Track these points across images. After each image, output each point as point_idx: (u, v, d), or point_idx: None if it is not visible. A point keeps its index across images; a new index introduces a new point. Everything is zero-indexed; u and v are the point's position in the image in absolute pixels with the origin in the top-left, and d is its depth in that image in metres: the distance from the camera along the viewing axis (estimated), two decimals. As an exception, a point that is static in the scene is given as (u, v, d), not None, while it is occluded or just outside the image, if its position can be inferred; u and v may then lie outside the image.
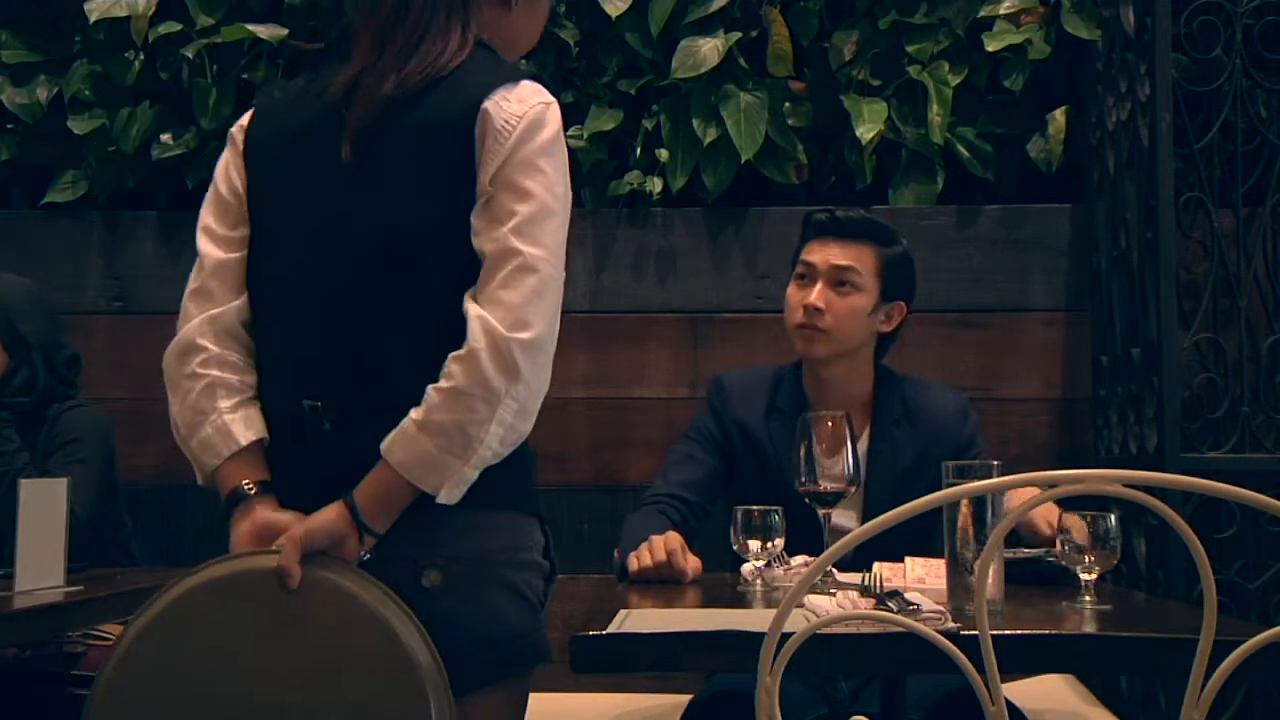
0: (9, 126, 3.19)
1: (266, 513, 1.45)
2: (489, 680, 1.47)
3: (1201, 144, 2.77)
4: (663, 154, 3.03)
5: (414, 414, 1.39)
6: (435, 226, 1.45)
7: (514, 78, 1.50)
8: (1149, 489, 1.00)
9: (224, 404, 1.49)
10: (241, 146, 1.59)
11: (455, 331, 1.40)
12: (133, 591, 1.96)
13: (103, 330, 3.10)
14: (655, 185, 3.03)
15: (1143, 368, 2.68)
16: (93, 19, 3.07)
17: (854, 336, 2.20)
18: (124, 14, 3.08)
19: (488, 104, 1.46)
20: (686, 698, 2.07)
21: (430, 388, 1.39)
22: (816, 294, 2.19)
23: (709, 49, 2.99)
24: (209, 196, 1.59)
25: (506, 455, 1.43)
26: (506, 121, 1.45)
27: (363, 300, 1.47)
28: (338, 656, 1.36)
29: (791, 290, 2.25)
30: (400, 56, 1.49)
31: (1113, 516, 1.66)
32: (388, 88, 1.47)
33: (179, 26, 3.10)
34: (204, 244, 1.57)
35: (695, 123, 3.00)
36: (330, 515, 1.40)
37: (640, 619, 1.50)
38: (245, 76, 3.10)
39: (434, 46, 1.50)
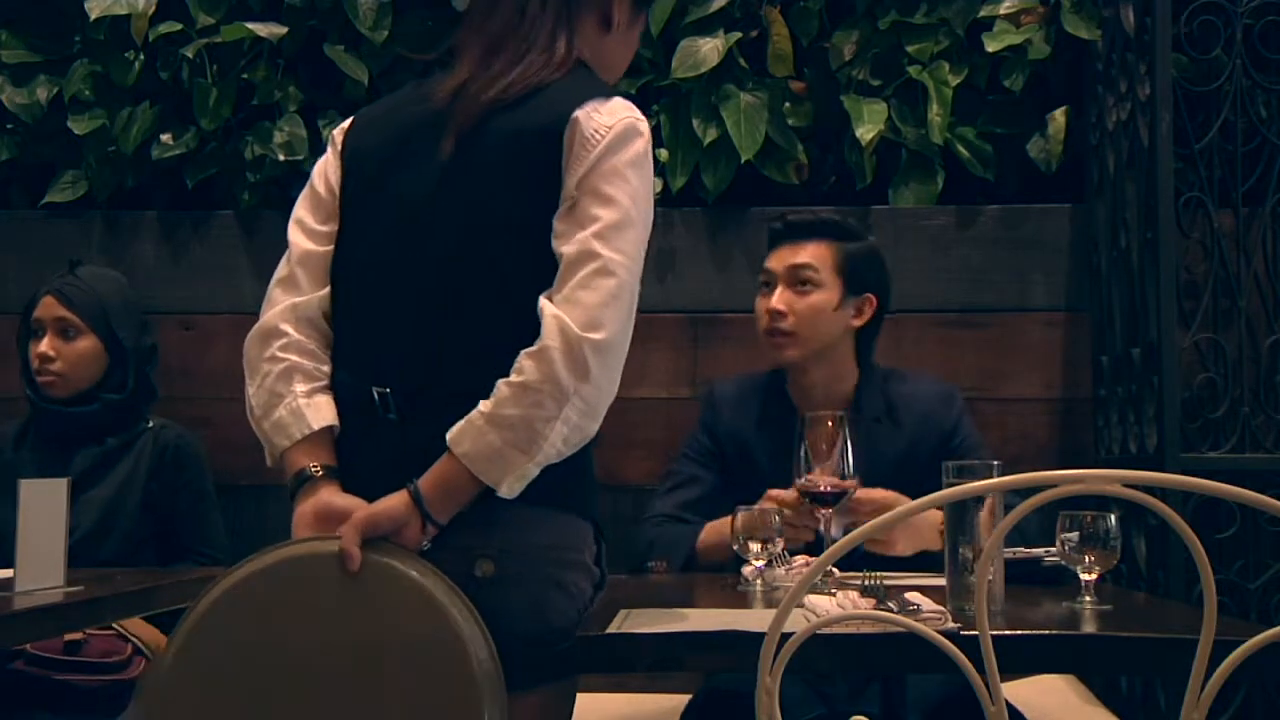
0: (9, 126, 3.19)
1: (328, 496, 1.49)
2: (536, 680, 1.48)
3: (1201, 144, 2.77)
4: (663, 154, 3.03)
5: (483, 406, 1.42)
6: (518, 227, 1.49)
7: (606, 93, 1.55)
8: (1149, 489, 1.00)
9: (299, 388, 1.54)
10: (340, 146, 1.65)
11: (525, 328, 1.44)
12: (133, 592, 1.95)
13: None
14: (655, 185, 3.02)
15: (1143, 368, 2.68)
16: (93, 16, 3.07)
17: (821, 335, 2.21)
18: (124, 12, 3.08)
19: (578, 113, 1.50)
20: (686, 698, 2.07)
21: (501, 382, 1.42)
22: (777, 297, 2.21)
23: (709, 49, 2.99)
24: (304, 192, 1.67)
25: (568, 456, 1.46)
26: (596, 131, 1.49)
27: (438, 292, 1.51)
28: (395, 640, 1.38)
29: (758, 301, 2.27)
30: (506, 67, 1.56)
31: (1113, 516, 1.66)
32: (491, 94, 1.53)
33: (179, 26, 3.10)
34: (294, 235, 1.65)
35: (695, 123, 3.00)
36: (394, 502, 1.43)
37: (640, 619, 1.50)
38: (245, 76, 3.10)
39: (537, 59, 1.57)
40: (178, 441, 2.57)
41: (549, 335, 1.41)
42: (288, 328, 1.57)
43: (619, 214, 1.46)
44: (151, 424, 2.58)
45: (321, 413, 1.54)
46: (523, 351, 1.42)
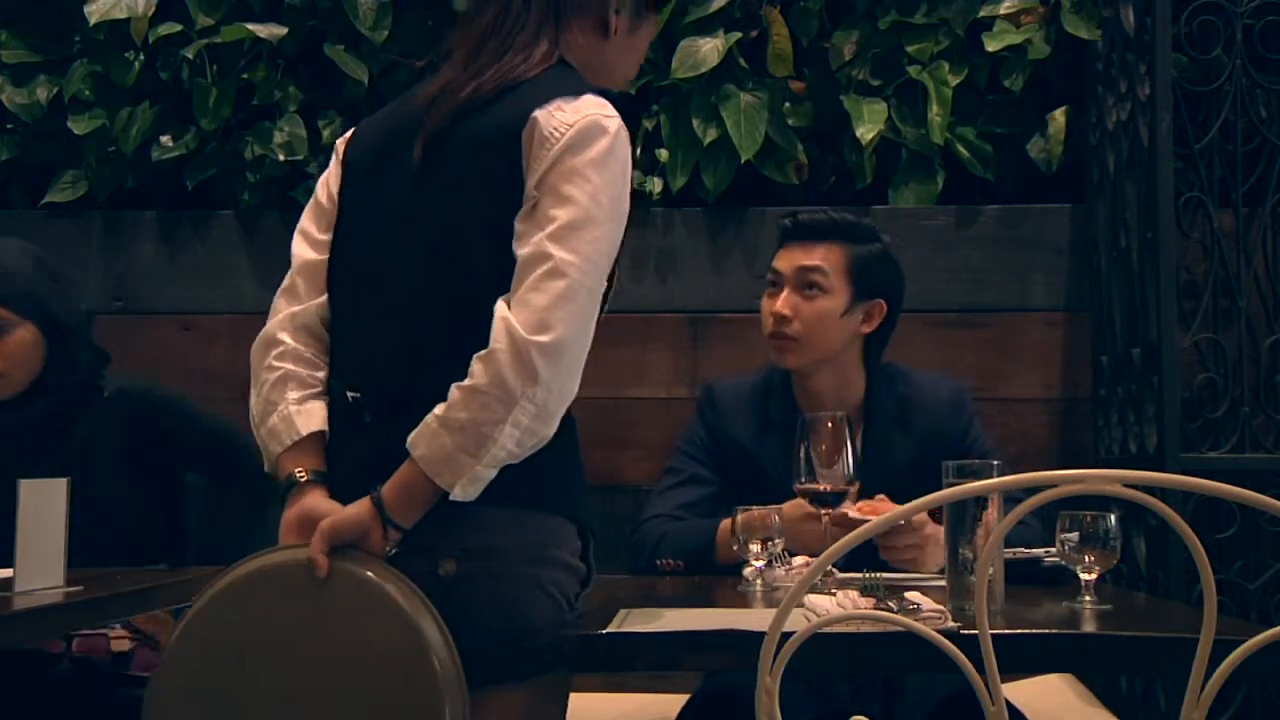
0: (9, 126, 3.20)
1: (311, 501, 1.50)
2: (513, 676, 1.48)
3: (1201, 144, 2.77)
4: (663, 154, 3.03)
5: (437, 410, 1.43)
6: (485, 230, 1.48)
7: (577, 91, 1.52)
8: (1149, 489, 1.00)
9: (292, 395, 1.57)
10: (341, 156, 1.67)
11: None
12: (133, 591, 1.95)
13: (103, 330, 3.08)
14: (655, 185, 3.03)
15: (1143, 368, 2.68)
16: (93, 20, 3.08)
17: (828, 342, 2.14)
18: (124, 15, 3.08)
19: (538, 112, 1.48)
20: (686, 697, 2.07)
21: (453, 385, 1.43)
22: (782, 301, 2.14)
23: (709, 49, 2.99)
24: (310, 202, 1.68)
25: (532, 456, 1.45)
26: (555, 129, 1.47)
27: (410, 297, 1.52)
28: (358, 646, 1.40)
29: (763, 300, 2.20)
30: (483, 68, 1.55)
31: (1113, 516, 1.66)
32: (465, 95, 1.53)
33: (179, 27, 3.10)
34: (297, 245, 1.65)
35: (695, 123, 3.00)
36: (358, 509, 1.45)
37: (640, 619, 1.50)
38: (245, 76, 3.10)
39: (515, 58, 1.56)
40: (145, 402, 2.33)
41: (496, 338, 1.41)
42: (285, 336, 1.60)
43: (576, 213, 1.44)
44: (107, 392, 2.32)
45: (311, 419, 1.56)
46: (475, 355, 1.42)
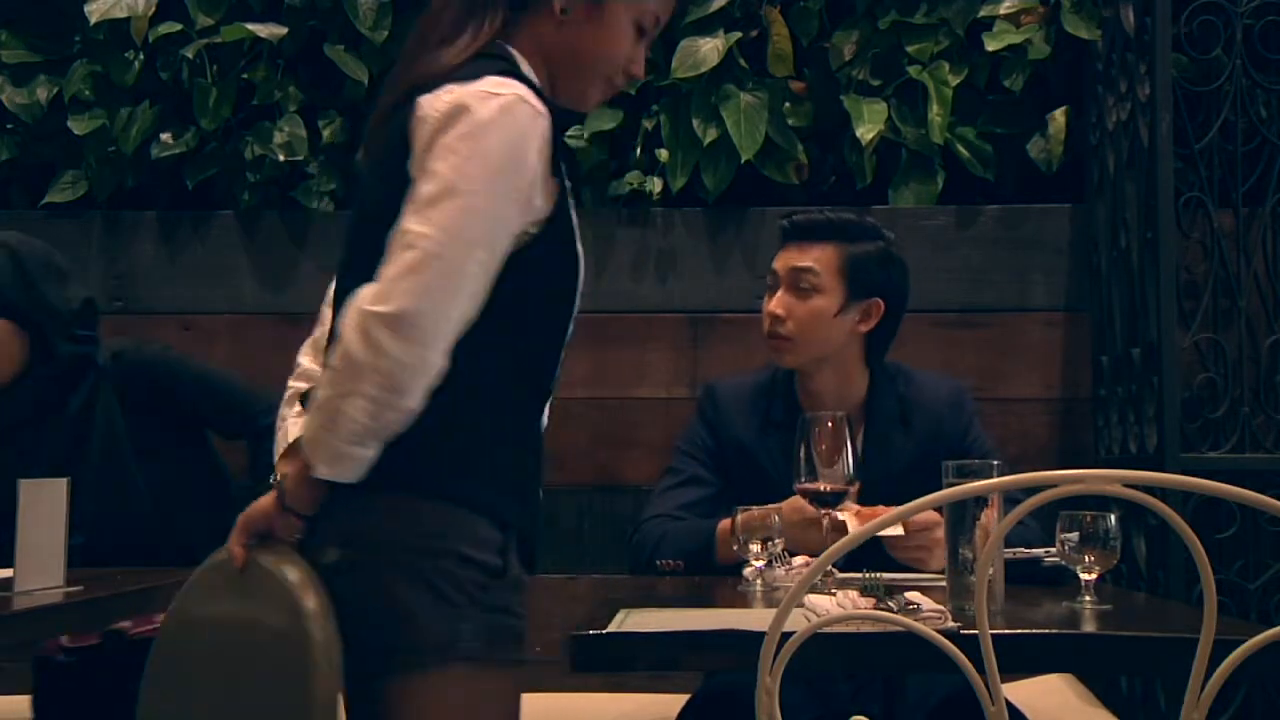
0: (9, 126, 3.19)
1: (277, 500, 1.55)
2: (395, 667, 1.46)
3: (1201, 144, 2.77)
4: (663, 154, 3.03)
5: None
6: (390, 222, 1.46)
7: (476, 75, 1.49)
8: (1149, 489, 1.00)
9: (294, 410, 1.66)
10: None
11: None
12: (133, 591, 1.95)
13: (103, 330, 3.10)
14: (655, 185, 3.03)
15: (1143, 368, 2.68)
16: (93, 20, 3.08)
17: (823, 341, 2.15)
18: (124, 15, 3.08)
19: (422, 98, 1.48)
20: (686, 697, 2.07)
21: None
22: (776, 301, 2.16)
23: (709, 49, 2.99)
24: None
25: (438, 442, 1.45)
26: (433, 110, 1.47)
27: (341, 296, 1.53)
28: (259, 629, 1.47)
29: (764, 300, 2.22)
30: (410, 70, 1.57)
31: (1113, 516, 1.66)
32: (391, 100, 1.56)
33: (179, 26, 3.10)
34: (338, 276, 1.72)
35: (695, 123, 3.00)
36: (266, 499, 1.51)
37: (640, 619, 1.51)
38: (245, 76, 3.10)
39: (439, 54, 1.55)
40: (137, 360, 2.35)
41: (344, 315, 1.42)
42: (304, 359, 1.71)
43: (436, 187, 1.42)
44: (102, 360, 2.34)
45: (299, 428, 1.59)
46: None
